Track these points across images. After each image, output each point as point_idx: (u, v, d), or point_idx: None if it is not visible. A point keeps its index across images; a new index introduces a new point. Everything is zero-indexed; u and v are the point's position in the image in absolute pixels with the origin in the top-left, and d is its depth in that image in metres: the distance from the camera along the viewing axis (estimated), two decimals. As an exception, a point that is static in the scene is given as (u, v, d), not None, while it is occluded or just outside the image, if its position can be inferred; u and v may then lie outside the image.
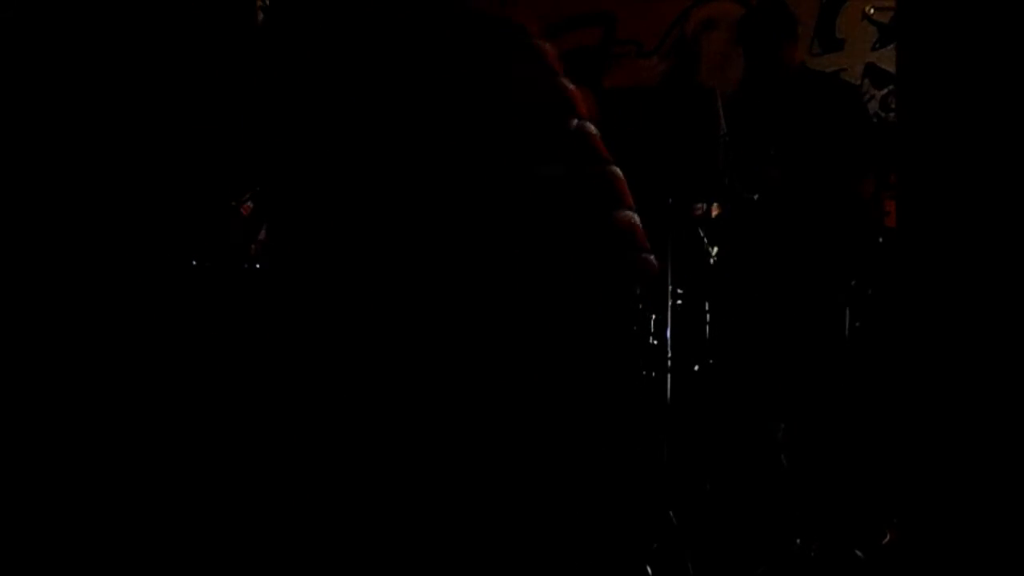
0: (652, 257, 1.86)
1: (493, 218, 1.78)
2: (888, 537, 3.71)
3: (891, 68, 5.12)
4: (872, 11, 5.14)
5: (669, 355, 3.39)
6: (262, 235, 3.71)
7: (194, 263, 3.41)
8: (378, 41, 1.85)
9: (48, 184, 3.13)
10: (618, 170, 1.88)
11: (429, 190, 1.79)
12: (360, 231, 1.83)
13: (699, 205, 3.78)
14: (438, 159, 1.80)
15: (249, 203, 3.85)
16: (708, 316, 3.84)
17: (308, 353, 1.92)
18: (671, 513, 3.26)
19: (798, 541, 3.46)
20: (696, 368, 3.68)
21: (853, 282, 3.95)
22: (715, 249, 3.83)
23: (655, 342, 3.61)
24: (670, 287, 3.40)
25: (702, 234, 3.79)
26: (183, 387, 3.12)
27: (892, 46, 5.05)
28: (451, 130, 1.80)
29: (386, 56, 1.83)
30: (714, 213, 3.95)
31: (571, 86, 1.89)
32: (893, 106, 5.13)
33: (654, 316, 3.64)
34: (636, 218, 1.87)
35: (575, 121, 1.85)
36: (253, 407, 2.92)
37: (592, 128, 1.89)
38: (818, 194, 3.83)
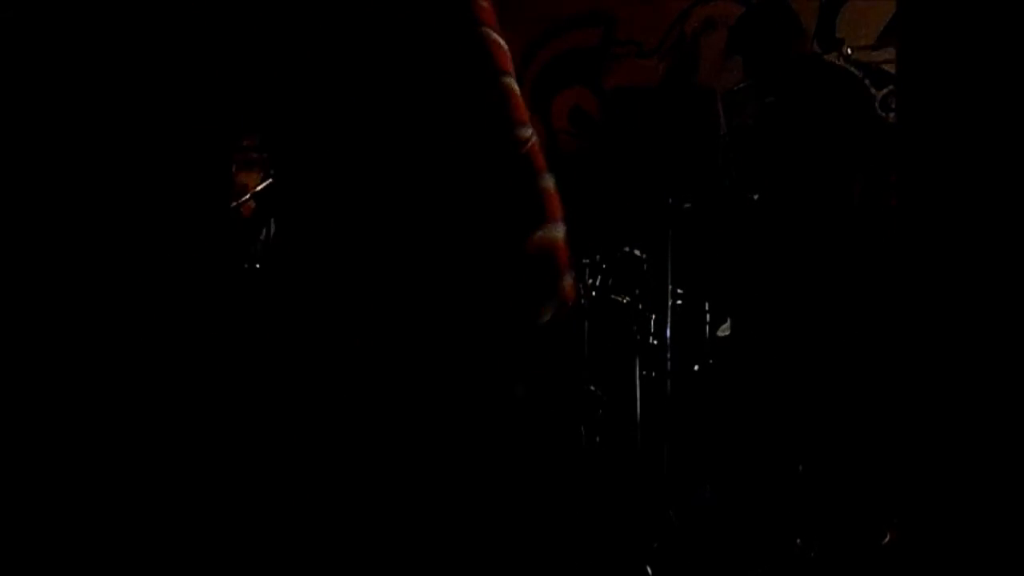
0: (568, 284, 1.68)
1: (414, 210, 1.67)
2: (888, 537, 3.71)
3: (891, 68, 5.12)
4: (850, 51, 5.12)
5: (669, 355, 3.39)
6: (262, 235, 3.71)
7: (194, 263, 3.41)
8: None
9: (48, 184, 3.13)
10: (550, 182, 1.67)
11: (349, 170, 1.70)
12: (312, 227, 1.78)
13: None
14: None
15: (249, 203, 3.86)
16: (708, 316, 3.85)
17: (307, 353, 1.92)
18: (671, 513, 3.26)
19: (798, 541, 3.46)
20: (696, 368, 3.69)
21: (853, 282, 3.95)
22: (727, 323, 3.84)
23: (655, 342, 3.62)
24: (670, 287, 3.41)
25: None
26: (183, 386, 3.13)
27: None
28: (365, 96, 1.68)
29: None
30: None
31: (496, 37, 1.68)
32: (893, 106, 5.13)
33: (654, 316, 3.64)
34: (558, 233, 1.66)
35: (502, 79, 1.66)
36: (252, 407, 2.92)
37: (513, 86, 1.68)
38: (817, 195, 3.82)
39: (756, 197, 3.73)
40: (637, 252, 3.82)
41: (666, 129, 3.34)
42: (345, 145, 1.69)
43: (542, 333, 1.71)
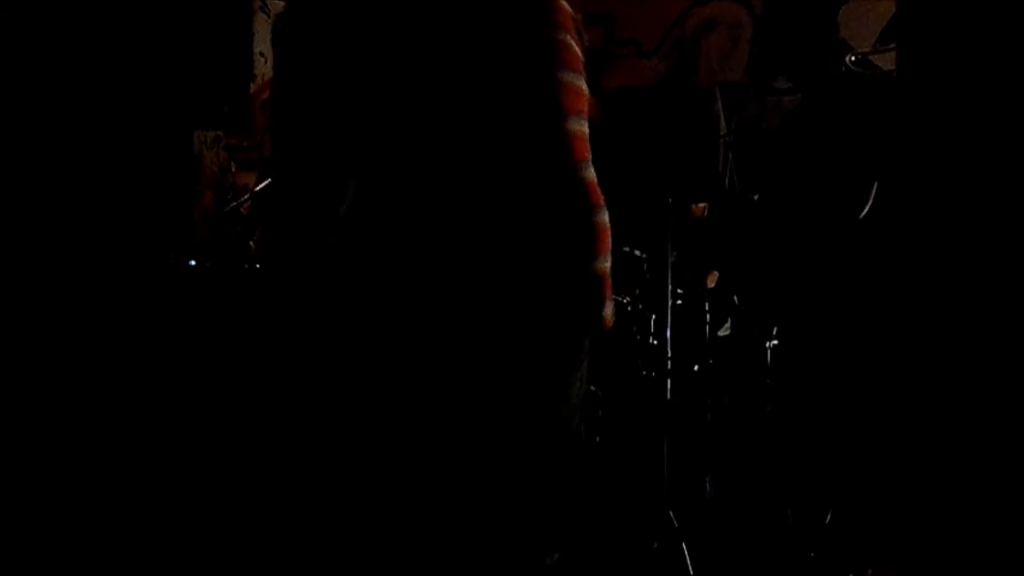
0: (608, 312, 1.83)
1: (475, 219, 1.76)
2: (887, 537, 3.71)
3: (891, 68, 5.11)
4: (852, 59, 5.11)
5: (669, 355, 3.39)
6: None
7: (194, 263, 3.41)
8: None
9: (48, 184, 3.13)
10: (604, 216, 1.81)
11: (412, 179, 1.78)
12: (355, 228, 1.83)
13: (700, 206, 3.77)
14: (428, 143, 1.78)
15: (249, 203, 3.85)
16: (708, 316, 3.84)
17: (306, 353, 1.92)
18: (671, 513, 3.26)
19: (812, 555, 3.47)
20: (696, 368, 3.69)
21: (853, 283, 3.95)
22: (728, 323, 3.83)
23: (655, 342, 3.62)
24: (670, 287, 3.40)
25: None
26: (182, 386, 3.13)
27: (892, 46, 5.05)
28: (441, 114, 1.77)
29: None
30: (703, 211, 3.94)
31: (572, 80, 1.86)
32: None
33: (654, 316, 3.64)
34: (607, 265, 1.83)
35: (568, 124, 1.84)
36: (252, 406, 2.92)
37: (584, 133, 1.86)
38: (833, 198, 3.81)
39: (756, 197, 3.73)
40: (637, 252, 3.82)
41: (666, 129, 3.34)
42: (428, 160, 1.78)
43: (578, 351, 1.83)
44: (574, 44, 1.93)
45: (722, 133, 3.36)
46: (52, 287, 3.10)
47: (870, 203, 3.76)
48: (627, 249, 3.83)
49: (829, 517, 3.69)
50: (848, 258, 3.96)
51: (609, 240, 1.81)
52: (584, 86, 1.92)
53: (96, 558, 2.81)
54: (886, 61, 5.15)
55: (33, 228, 3.12)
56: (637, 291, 3.73)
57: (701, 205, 3.82)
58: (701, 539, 3.31)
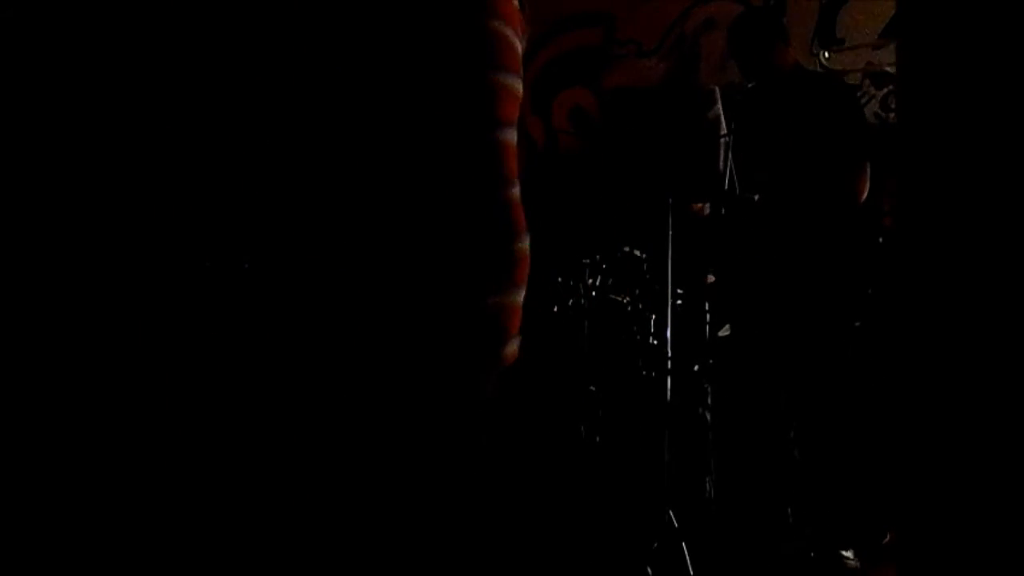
0: (511, 350, 1.61)
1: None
2: (888, 537, 3.71)
3: (891, 68, 5.12)
4: (827, 56, 5.14)
5: (669, 355, 3.39)
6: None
7: (194, 263, 3.41)
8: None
9: (48, 184, 3.13)
10: (527, 243, 1.58)
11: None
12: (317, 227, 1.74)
13: (700, 205, 3.77)
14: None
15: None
16: (708, 316, 3.85)
17: (306, 353, 1.92)
18: (671, 513, 3.26)
19: (803, 546, 3.47)
20: (696, 368, 3.69)
21: (853, 283, 3.95)
22: (726, 327, 3.84)
23: (655, 342, 3.62)
24: (670, 287, 3.40)
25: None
26: (181, 386, 3.13)
27: (892, 46, 5.05)
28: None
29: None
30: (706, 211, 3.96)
31: (508, 80, 1.57)
32: (893, 106, 5.13)
33: (654, 316, 3.64)
34: (520, 298, 1.59)
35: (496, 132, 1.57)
36: (251, 407, 2.92)
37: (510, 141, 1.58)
38: (813, 197, 3.83)
39: (756, 198, 3.74)
40: (637, 252, 3.83)
41: (666, 129, 3.34)
42: (339, 156, 1.62)
43: (484, 386, 1.63)
44: (511, 35, 1.62)
45: (722, 133, 3.36)
46: (52, 287, 3.10)
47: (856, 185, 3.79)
48: (627, 249, 3.84)
49: (828, 517, 3.69)
50: (848, 258, 3.96)
51: (527, 270, 1.59)
52: (520, 88, 1.61)
53: (96, 558, 2.81)
54: (886, 57, 5.17)
55: (33, 228, 3.12)
56: (637, 291, 3.73)
57: (701, 204, 3.83)
58: (701, 539, 3.31)
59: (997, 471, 1.46)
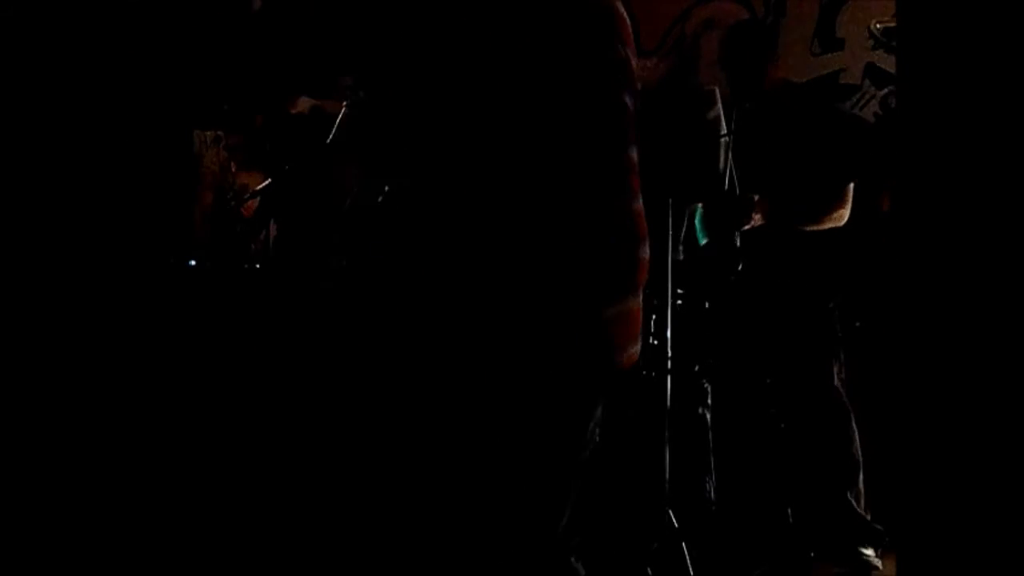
0: (629, 354, 1.74)
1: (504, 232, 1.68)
2: (888, 538, 3.71)
3: (891, 68, 5.12)
4: (878, 26, 5.13)
5: (669, 355, 3.39)
6: (262, 235, 3.71)
7: (194, 263, 3.41)
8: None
9: (49, 183, 3.13)
10: (647, 250, 1.71)
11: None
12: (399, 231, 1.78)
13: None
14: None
15: (250, 203, 3.86)
16: (708, 316, 3.84)
17: (306, 353, 1.92)
18: (671, 513, 3.26)
19: (812, 554, 3.47)
20: (696, 368, 3.68)
21: (853, 285, 3.96)
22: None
23: (655, 342, 3.61)
24: (670, 287, 3.40)
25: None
26: (183, 386, 3.13)
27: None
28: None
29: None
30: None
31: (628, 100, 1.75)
32: (893, 106, 5.13)
33: (654, 316, 3.64)
34: (638, 302, 1.71)
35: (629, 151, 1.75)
36: (252, 407, 2.92)
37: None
38: (802, 210, 3.84)
39: (756, 198, 3.73)
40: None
41: (666, 129, 3.33)
42: (475, 170, 1.69)
43: (603, 387, 1.73)
44: (632, 57, 1.89)
45: (722, 133, 3.36)
46: (51, 287, 3.10)
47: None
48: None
49: (828, 517, 3.69)
50: (847, 258, 3.96)
51: (646, 276, 1.73)
52: (635, 105, 1.83)
53: (96, 558, 2.81)
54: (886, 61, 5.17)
55: (32, 228, 3.11)
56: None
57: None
58: (701, 539, 3.30)
59: (997, 471, 1.46)
